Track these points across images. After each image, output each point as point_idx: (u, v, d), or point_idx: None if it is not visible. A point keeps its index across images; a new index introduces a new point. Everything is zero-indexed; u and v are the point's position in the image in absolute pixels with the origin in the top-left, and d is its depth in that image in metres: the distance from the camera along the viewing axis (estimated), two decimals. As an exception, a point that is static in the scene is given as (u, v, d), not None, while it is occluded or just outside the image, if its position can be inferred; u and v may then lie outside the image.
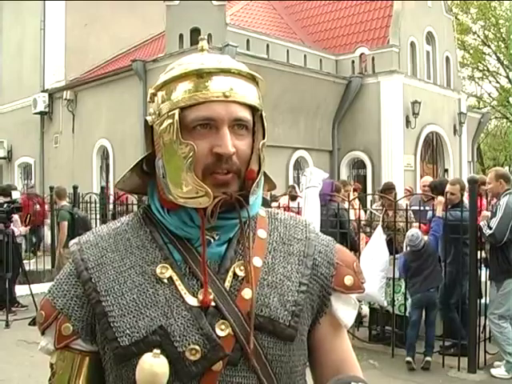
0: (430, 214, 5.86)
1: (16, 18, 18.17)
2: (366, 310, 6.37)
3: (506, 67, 27.55)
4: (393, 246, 5.77)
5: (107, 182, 15.31)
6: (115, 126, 14.51)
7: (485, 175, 6.90)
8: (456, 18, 23.17)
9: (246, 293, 1.01)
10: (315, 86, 14.37)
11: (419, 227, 5.71)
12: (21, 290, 7.82)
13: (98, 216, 9.68)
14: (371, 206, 8.86)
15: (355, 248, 5.97)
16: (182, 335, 0.97)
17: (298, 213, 5.76)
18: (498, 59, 27.96)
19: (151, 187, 1.12)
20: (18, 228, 8.26)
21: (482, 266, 5.53)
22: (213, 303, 0.99)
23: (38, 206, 11.19)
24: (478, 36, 27.88)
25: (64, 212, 8.10)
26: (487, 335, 5.58)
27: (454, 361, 5.28)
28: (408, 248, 5.42)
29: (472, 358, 5.20)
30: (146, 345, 0.96)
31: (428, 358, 5.28)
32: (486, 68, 28.84)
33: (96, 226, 8.21)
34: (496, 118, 30.01)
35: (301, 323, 1.06)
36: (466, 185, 5.53)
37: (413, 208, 6.47)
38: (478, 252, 5.34)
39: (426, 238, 5.41)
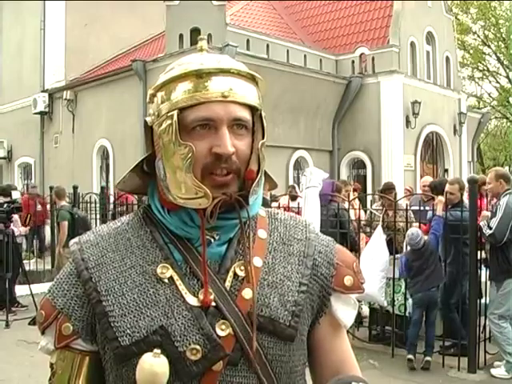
0: (429, 213, 5.86)
1: (16, 18, 18.17)
2: (366, 310, 6.37)
3: (506, 67, 27.55)
4: (393, 246, 5.77)
5: (107, 181, 15.32)
6: (115, 125, 14.52)
7: (485, 175, 6.89)
8: (456, 18, 23.17)
9: (247, 293, 1.01)
10: (315, 86, 14.37)
11: (419, 227, 5.71)
12: (21, 290, 7.82)
13: (97, 216, 9.69)
14: (371, 206, 8.86)
15: (355, 248, 5.97)
16: (182, 335, 0.97)
17: (298, 213, 5.76)
18: (498, 59, 27.96)
19: (151, 187, 1.12)
20: (18, 228, 8.27)
21: (482, 266, 5.53)
22: (213, 303, 0.99)
23: (39, 207, 11.20)
24: (478, 36, 27.89)
25: (64, 212, 8.11)
26: (487, 335, 5.58)
27: (454, 361, 5.27)
28: (408, 247, 5.43)
29: (472, 358, 5.20)
30: (146, 344, 0.96)
31: (428, 358, 5.28)
32: (486, 68, 28.85)
33: (96, 226, 8.21)
34: (496, 118, 30.01)
35: (301, 323, 1.06)
36: (466, 185, 5.53)
37: (413, 208, 6.47)
38: (478, 252, 5.34)
39: (426, 237, 5.41)
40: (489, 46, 27.82)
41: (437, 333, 5.52)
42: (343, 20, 17.32)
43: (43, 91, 16.95)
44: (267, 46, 14.80)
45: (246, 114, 1.02)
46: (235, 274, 1.03)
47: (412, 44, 16.01)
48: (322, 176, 6.17)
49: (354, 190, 9.37)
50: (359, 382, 0.98)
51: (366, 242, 6.24)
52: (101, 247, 1.07)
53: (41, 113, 16.91)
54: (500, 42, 27.39)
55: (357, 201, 7.71)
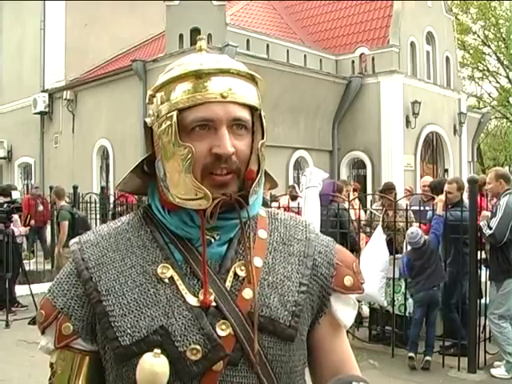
0: (429, 213, 5.86)
1: (16, 18, 18.17)
2: (366, 311, 6.37)
3: (506, 67, 27.55)
4: (393, 246, 5.77)
5: (107, 181, 15.33)
6: (115, 125, 14.51)
7: (485, 175, 6.89)
8: (456, 18, 23.17)
9: (247, 293, 1.01)
10: (315, 86, 14.37)
11: (419, 227, 5.70)
12: (21, 290, 7.82)
13: (97, 216, 9.69)
14: (371, 206, 8.86)
15: (355, 248, 5.97)
16: (182, 335, 0.97)
17: (298, 213, 5.77)
18: (498, 59, 27.96)
19: (152, 188, 1.12)
20: (18, 228, 8.27)
21: (482, 266, 5.53)
22: (213, 303, 0.99)
23: (41, 207, 11.21)
24: (478, 36, 27.88)
25: (65, 212, 8.12)
26: (487, 335, 5.58)
27: (454, 361, 5.28)
28: (409, 247, 5.43)
29: (472, 358, 5.21)
30: (146, 344, 0.96)
31: (428, 358, 5.28)
32: (486, 68, 28.84)
33: (96, 225, 8.21)
34: (496, 118, 30.01)
35: (301, 323, 1.06)
36: (466, 185, 5.53)
37: (413, 208, 6.47)
38: (478, 252, 5.34)
39: (426, 237, 5.41)
40: (489, 46, 27.82)
41: (437, 333, 5.52)
42: (343, 20, 17.31)
43: (43, 91, 16.94)
44: (267, 45, 14.79)
45: (245, 114, 1.02)
46: (235, 274, 1.03)
47: (412, 44, 16.01)
48: (322, 176, 6.17)
49: (354, 190, 9.37)
50: (360, 381, 0.98)
51: (366, 242, 6.25)
52: (101, 247, 1.07)
53: (41, 113, 16.90)
54: (500, 42, 27.39)
55: (357, 201, 7.72)
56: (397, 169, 14.87)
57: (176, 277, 1.01)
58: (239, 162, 1.01)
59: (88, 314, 1.03)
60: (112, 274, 1.03)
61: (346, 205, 6.39)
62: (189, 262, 1.03)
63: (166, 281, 1.01)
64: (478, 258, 5.35)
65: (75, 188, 10.10)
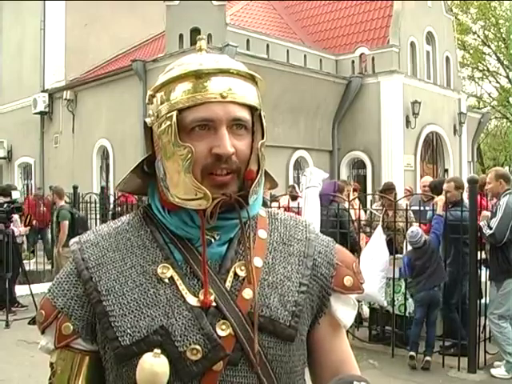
0: (429, 213, 5.86)
1: (16, 18, 18.17)
2: (366, 311, 6.37)
3: (506, 67, 27.55)
4: (393, 246, 5.77)
5: (107, 181, 15.34)
6: (115, 125, 14.52)
7: (485, 175, 6.89)
8: (456, 18, 23.16)
9: (247, 293, 1.01)
10: (315, 86, 14.37)
11: (419, 227, 5.70)
12: (21, 290, 7.82)
13: (97, 216, 9.69)
14: (371, 206, 8.86)
15: (355, 248, 5.97)
16: (182, 335, 0.97)
17: (298, 213, 5.76)
18: (498, 59, 27.97)
19: (152, 188, 1.12)
20: (18, 228, 8.27)
21: (482, 266, 5.53)
22: (214, 303, 0.99)
23: (44, 208, 11.21)
24: (478, 36, 27.89)
25: (65, 211, 8.13)
26: (487, 335, 5.58)
27: (454, 361, 5.27)
28: (410, 246, 5.43)
29: (472, 358, 5.20)
30: (146, 344, 0.96)
31: (428, 358, 5.28)
32: (486, 68, 28.85)
33: (96, 225, 8.21)
34: (496, 118, 30.02)
35: (301, 323, 1.06)
36: (466, 185, 5.53)
37: (413, 208, 6.47)
38: (478, 252, 5.34)
39: (426, 236, 5.41)
40: (489, 46, 27.83)
41: (437, 333, 5.52)
42: (343, 20, 17.32)
43: (43, 91, 16.95)
44: (267, 45, 14.80)
45: (245, 114, 1.02)
46: (235, 274, 1.03)
47: (412, 44, 16.01)
48: (322, 176, 6.17)
49: (354, 190, 9.37)
50: (361, 381, 0.98)
51: (366, 242, 6.24)
52: (101, 247, 1.07)
53: (41, 113, 16.91)
54: (500, 42, 27.40)
55: (357, 201, 7.72)
56: (397, 169, 14.87)
57: (176, 277, 1.01)
58: (239, 162, 1.01)
59: (88, 314, 1.03)
60: (112, 273, 1.03)
61: (346, 205, 6.39)
62: (189, 262, 1.03)
63: (166, 281, 1.01)
64: (478, 258, 5.35)
65: (75, 188, 10.10)
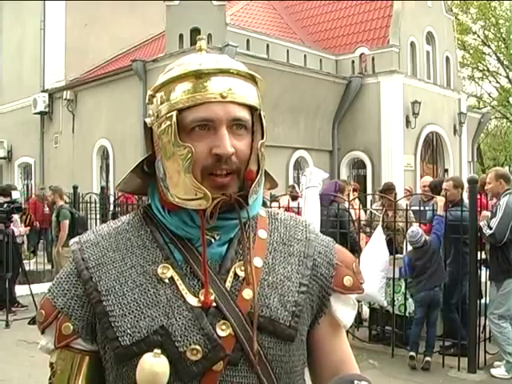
0: (429, 213, 5.86)
1: (16, 18, 18.17)
2: (366, 312, 6.37)
3: (506, 67, 27.55)
4: (393, 246, 5.77)
5: (107, 181, 15.33)
6: (115, 125, 14.52)
7: (485, 175, 6.89)
8: (456, 18, 23.16)
9: (247, 293, 1.01)
10: (315, 86, 14.37)
11: (419, 227, 5.70)
12: (21, 290, 7.82)
13: (97, 216, 9.68)
14: (371, 206, 8.86)
15: (355, 248, 5.97)
16: (183, 335, 0.97)
17: (298, 213, 5.76)
18: (498, 59, 27.96)
19: (152, 188, 1.12)
20: (18, 228, 8.27)
21: (482, 266, 5.53)
22: (214, 303, 0.99)
23: (47, 208, 11.20)
24: (478, 36, 27.89)
25: (65, 211, 8.13)
26: (487, 335, 5.58)
27: (454, 361, 5.27)
28: (410, 246, 5.43)
29: (472, 358, 5.20)
30: (146, 344, 0.96)
31: (428, 358, 5.28)
32: (486, 68, 28.85)
33: (96, 225, 8.21)
34: (496, 118, 30.02)
35: (301, 323, 1.06)
36: (466, 185, 5.53)
37: (413, 208, 6.47)
38: (478, 252, 5.34)
39: (427, 236, 5.41)
40: (489, 46, 27.83)
41: (437, 333, 5.52)
42: (343, 20, 17.32)
43: (43, 91, 16.94)
44: (267, 45, 14.80)
45: (245, 114, 1.02)
46: (235, 275, 1.03)
47: (412, 44, 16.01)
48: (322, 176, 6.17)
49: (354, 190, 9.37)
50: (362, 380, 0.98)
51: (366, 242, 6.24)
52: (101, 247, 1.07)
53: (41, 113, 16.91)
54: (500, 42, 27.40)
55: (357, 201, 7.71)
56: (397, 169, 14.87)
57: (176, 277, 1.01)
58: (239, 162, 1.01)
59: (88, 314, 1.03)
60: (112, 274, 1.03)
61: (346, 205, 6.39)
62: (189, 262, 1.03)
63: (166, 281, 1.01)
64: (478, 258, 5.35)
65: (75, 188, 10.09)
